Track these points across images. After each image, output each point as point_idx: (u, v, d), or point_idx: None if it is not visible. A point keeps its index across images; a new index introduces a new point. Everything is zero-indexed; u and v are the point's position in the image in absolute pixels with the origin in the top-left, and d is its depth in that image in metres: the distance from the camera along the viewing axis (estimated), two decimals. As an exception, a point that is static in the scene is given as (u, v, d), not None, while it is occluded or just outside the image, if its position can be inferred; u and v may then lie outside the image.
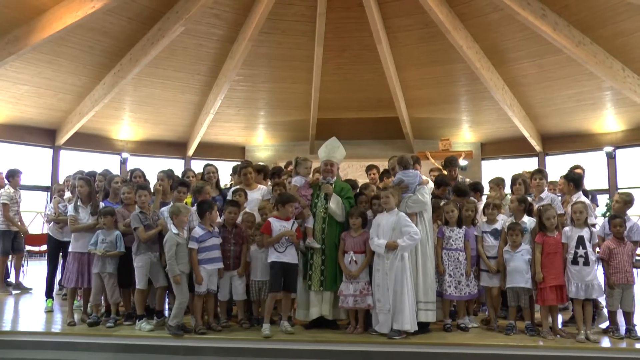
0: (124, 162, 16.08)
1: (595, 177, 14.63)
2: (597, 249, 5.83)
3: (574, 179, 6.58)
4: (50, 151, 15.30)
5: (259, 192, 7.05)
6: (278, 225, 5.90)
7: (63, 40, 11.88)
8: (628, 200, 6.02)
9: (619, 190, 6.70)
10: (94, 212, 6.61)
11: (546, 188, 6.81)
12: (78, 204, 6.67)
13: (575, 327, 5.72)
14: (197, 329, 5.84)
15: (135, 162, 15.76)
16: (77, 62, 12.82)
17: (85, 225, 6.56)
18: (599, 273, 5.82)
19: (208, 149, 17.05)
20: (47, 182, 15.04)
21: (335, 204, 6.11)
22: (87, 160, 15.09)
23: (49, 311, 7.08)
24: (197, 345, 5.68)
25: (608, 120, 14.66)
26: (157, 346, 5.69)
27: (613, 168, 15.06)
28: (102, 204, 6.76)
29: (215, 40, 13.34)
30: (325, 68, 14.06)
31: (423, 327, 5.81)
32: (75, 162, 14.70)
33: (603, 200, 12.49)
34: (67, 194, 8.26)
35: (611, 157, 15.00)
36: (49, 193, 14.53)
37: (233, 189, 6.93)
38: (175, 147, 17.04)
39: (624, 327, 5.73)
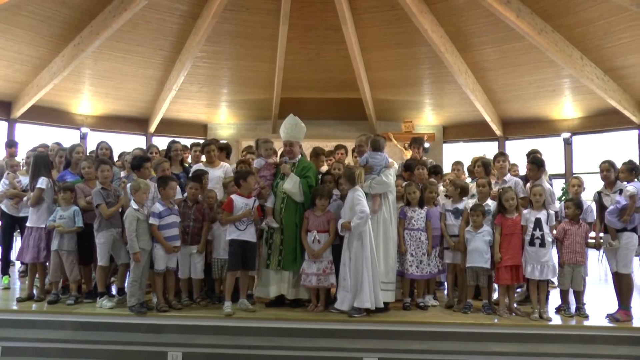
0: (83, 137, 15.70)
1: (552, 162, 15.05)
2: (554, 231, 6.03)
3: (540, 162, 6.73)
4: (5, 124, 14.81)
5: (221, 170, 7.01)
6: (240, 203, 5.88)
7: (19, 9, 11.44)
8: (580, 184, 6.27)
9: (578, 175, 6.95)
10: (31, 187, 6.48)
11: (509, 171, 6.96)
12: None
13: (530, 306, 5.92)
14: (158, 307, 5.82)
15: (95, 138, 15.40)
16: (34, 33, 12.38)
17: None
18: (553, 254, 6.02)
19: (170, 126, 16.80)
20: (1, 156, 14.56)
21: (290, 185, 6.10)
22: (45, 135, 14.67)
23: (5, 288, 6.93)
24: (158, 323, 5.67)
25: (566, 107, 15.06)
26: (118, 324, 5.66)
27: (569, 154, 15.52)
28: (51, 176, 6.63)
29: (179, 16, 13.07)
30: (290, 47, 13.95)
31: (383, 306, 5.91)
32: (32, 136, 14.32)
33: (558, 184, 12.86)
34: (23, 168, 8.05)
35: (568, 143, 15.44)
36: (5, 167, 14.12)
37: (197, 169, 6.82)
38: (137, 123, 16.72)
39: (574, 306, 5.97)
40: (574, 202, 5.96)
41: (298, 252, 6.06)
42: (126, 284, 6.11)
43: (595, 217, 6.07)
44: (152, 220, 5.78)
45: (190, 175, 6.70)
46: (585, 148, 15.32)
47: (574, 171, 15.00)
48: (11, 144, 9.10)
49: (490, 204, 6.28)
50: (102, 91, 15.27)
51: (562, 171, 15.34)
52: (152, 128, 16.71)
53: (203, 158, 7.36)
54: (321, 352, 5.32)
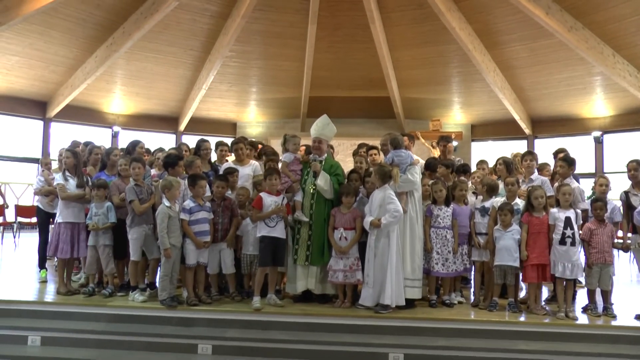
0: (115, 136, 16.09)
1: (582, 161, 14.82)
2: (580, 231, 6.00)
3: (571, 161, 6.72)
4: (41, 123, 15.27)
5: (250, 168, 7.15)
6: (269, 200, 6.01)
7: (55, 11, 11.83)
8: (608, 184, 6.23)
9: (604, 174, 6.94)
10: (79, 184, 6.62)
11: (536, 170, 6.95)
12: (67, 174, 6.65)
13: (556, 305, 5.91)
14: (188, 301, 5.98)
15: (126, 136, 15.78)
16: (70, 35, 12.78)
17: (75, 194, 6.54)
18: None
19: (199, 124, 17.08)
20: (38, 154, 15.01)
21: (323, 182, 6.21)
22: (78, 133, 15.05)
23: (43, 281, 7.18)
24: (188, 316, 5.81)
25: (597, 105, 14.86)
26: (150, 317, 5.82)
27: (600, 152, 15.29)
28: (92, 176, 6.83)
29: (209, 16, 13.32)
30: (318, 46, 14.09)
31: (409, 303, 5.98)
32: (66, 134, 14.73)
33: (588, 184, 12.69)
34: (55, 166, 8.30)
35: (599, 142, 15.22)
36: (39, 165, 14.55)
37: (227, 167, 6.97)
38: (167, 121, 17.06)
39: (602, 306, 5.94)
40: (604, 202, 5.93)
41: (325, 248, 6.16)
42: (157, 279, 6.30)
43: (622, 217, 6.02)
44: (182, 216, 5.95)
45: (220, 173, 6.84)
46: (616, 147, 15.07)
47: (605, 170, 14.76)
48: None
49: (519, 202, 6.28)
50: (133, 90, 15.63)
51: (593, 170, 15.11)
52: (182, 126, 17.02)
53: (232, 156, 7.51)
54: (348, 347, 5.39)
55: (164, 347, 5.49)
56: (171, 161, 6.34)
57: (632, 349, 5.28)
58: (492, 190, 6.46)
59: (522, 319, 5.76)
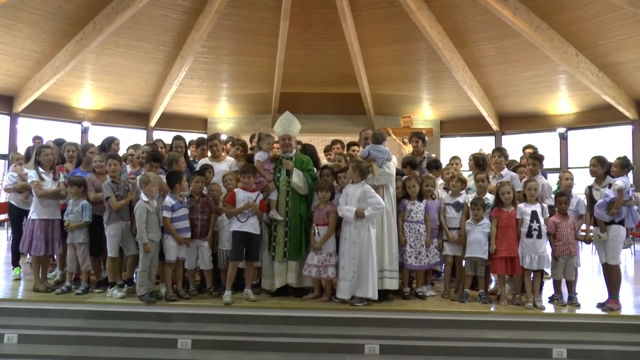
0: (85, 131, 15.88)
1: (548, 156, 15.22)
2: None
3: (541, 158, 6.98)
4: (7, 118, 14.98)
5: (226, 164, 7.21)
6: (243, 196, 6.10)
7: (23, 4, 11.63)
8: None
9: (569, 169, 7.21)
10: (56, 177, 6.66)
11: (505, 166, 7.18)
12: (40, 170, 6.62)
13: (524, 296, 6.15)
14: (167, 296, 6.03)
15: (96, 132, 15.63)
16: (37, 28, 12.57)
17: (52, 191, 6.54)
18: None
19: (170, 120, 17.00)
20: (4, 150, 14.74)
21: (297, 179, 6.33)
22: (47, 129, 14.83)
23: (17, 279, 7.12)
24: (167, 311, 5.86)
25: (562, 103, 15.31)
26: (129, 313, 5.85)
27: (565, 148, 15.76)
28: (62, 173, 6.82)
29: (181, 12, 13.27)
30: (290, 43, 14.15)
31: (384, 295, 6.15)
32: (34, 129, 14.44)
33: (553, 178, 13.07)
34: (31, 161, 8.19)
35: (563, 138, 15.69)
36: (7, 161, 14.27)
37: (202, 164, 7.03)
38: (138, 117, 16.91)
39: (567, 295, 6.21)
40: (567, 197, 6.19)
41: (303, 242, 6.29)
42: (134, 275, 6.32)
43: (585, 211, 6.30)
44: (165, 214, 5.99)
45: (196, 169, 6.89)
46: (580, 143, 15.56)
47: (569, 165, 15.25)
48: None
49: (490, 197, 6.50)
50: (103, 86, 15.45)
51: (558, 165, 15.57)
52: (153, 122, 16.91)
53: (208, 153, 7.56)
54: (325, 339, 5.52)
55: (143, 343, 5.53)
56: (158, 156, 6.40)
57: (595, 335, 5.56)
58: (465, 187, 6.69)
59: (492, 309, 5.99)
